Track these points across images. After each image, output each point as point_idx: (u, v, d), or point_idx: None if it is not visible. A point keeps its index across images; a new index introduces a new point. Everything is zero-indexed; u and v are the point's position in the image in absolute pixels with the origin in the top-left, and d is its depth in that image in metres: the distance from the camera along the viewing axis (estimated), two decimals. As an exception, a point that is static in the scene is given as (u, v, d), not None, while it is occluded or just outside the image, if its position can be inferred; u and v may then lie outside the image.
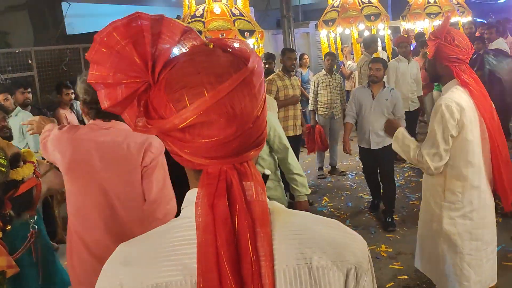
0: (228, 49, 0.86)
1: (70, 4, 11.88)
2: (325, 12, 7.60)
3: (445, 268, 2.52)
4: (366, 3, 7.30)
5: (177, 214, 0.97)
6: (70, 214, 2.28)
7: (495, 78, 5.57)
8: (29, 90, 5.60)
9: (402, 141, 2.65)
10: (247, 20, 5.55)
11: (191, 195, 0.89)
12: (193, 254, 0.82)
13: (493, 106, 2.49)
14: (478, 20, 14.74)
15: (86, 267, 2.21)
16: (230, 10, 5.53)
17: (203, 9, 5.46)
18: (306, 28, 13.73)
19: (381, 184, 5.26)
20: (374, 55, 6.88)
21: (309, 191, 3.35)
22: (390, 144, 4.52)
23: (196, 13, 5.45)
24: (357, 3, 7.29)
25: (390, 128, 2.81)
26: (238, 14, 5.52)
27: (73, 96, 6.19)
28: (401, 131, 2.70)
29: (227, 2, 5.71)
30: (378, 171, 5.27)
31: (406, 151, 2.62)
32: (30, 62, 8.24)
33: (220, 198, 0.81)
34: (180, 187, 2.90)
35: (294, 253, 0.84)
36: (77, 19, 12.84)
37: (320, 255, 0.85)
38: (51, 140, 2.27)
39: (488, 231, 2.52)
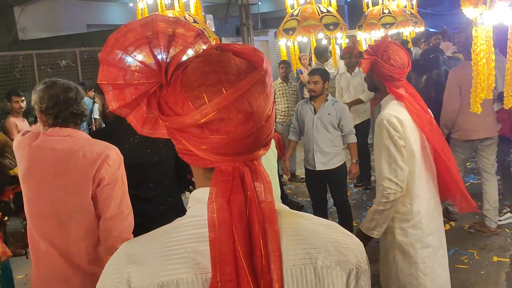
0: (237, 53, 0.89)
1: (22, 9, 11.52)
2: (285, 20, 7.66)
3: (401, 279, 2.56)
4: (325, 13, 7.41)
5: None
6: (28, 218, 2.21)
7: None
8: None
9: (374, 223, 2.52)
10: (203, 28, 5.57)
11: (199, 194, 0.91)
12: (205, 251, 0.83)
13: (431, 116, 2.57)
14: (431, 30, 15.31)
15: (52, 266, 2.13)
16: (184, 17, 5.53)
17: None
18: (265, 36, 13.84)
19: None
20: (332, 65, 7.01)
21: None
22: (339, 166, 4.55)
23: None
24: (316, 13, 7.39)
25: (363, 239, 2.53)
26: (192, 21, 5.53)
27: (23, 104, 6.01)
28: (368, 227, 2.56)
29: (179, 9, 5.71)
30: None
31: (378, 217, 2.50)
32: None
33: (237, 194, 0.84)
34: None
35: (301, 253, 0.87)
36: (31, 25, 12.47)
37: (325, 255, 0.88)
38: (13, 146, 2.24)
39: (435, 236, 2.57)
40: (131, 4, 14.59)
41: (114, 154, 2.13)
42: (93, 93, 6.79)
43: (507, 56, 2.84)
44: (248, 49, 0.89)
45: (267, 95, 0.86)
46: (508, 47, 2.81)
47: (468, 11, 2.87)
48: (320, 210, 4.71)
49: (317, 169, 4.54)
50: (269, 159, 2.94)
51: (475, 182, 6.21)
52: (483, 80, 2.92)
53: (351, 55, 6.68)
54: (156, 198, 2.62)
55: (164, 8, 5.51)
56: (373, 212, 2.50)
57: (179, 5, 5.75)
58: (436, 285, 2.55)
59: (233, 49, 0.89)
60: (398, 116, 2.45)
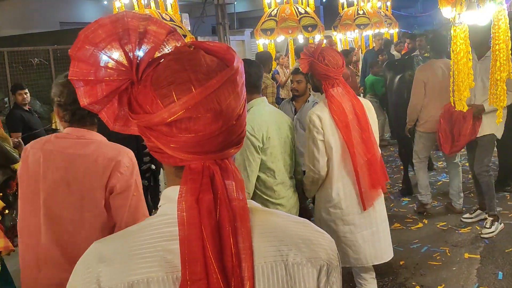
0: (210, 51, 0.88)
1: (-6, 5, 11.27)
2: (262, 20, 7.67)
3: None
4: (303, 14, 7.45)
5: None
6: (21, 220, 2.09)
7: None
8: None
9: (306, 193, 3.16)
10: (177, 25, 5.55)
11: (170, 192, 0.90)
12: (176, 250, 0.83)
13: (356, 116, 2.91)
14: (403, 31, 15.57)
15: (54, 269, 2.02)
16: (161, 15, 5.51)
17: None
18: (241, 35, 13.87)
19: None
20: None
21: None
22: None
23: None
24: (295, 14, 7.42)
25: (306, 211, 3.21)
26: (169, 19, 5.51)
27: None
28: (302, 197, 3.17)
29: (158, 9, 5.68)
30: None
31: (306, 188, 3.11)
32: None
33: (206, 192, 0.83)
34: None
35: (272, 250, 0.88)
36: (2, 22, 12.20)
37: (295, 252, 0.89)
38: (26, 147, 2.12)
39: (358, 217, 2.97)
40: (105, 2, 14.41)
41: (126, 160, 2.01)
42: None
43: (492, 55, 2.88)
44: (221, 47, 0.89)
45: (237, 94, 0.85)
46: (492, 46, 2.85)
47: (446, 11, 2.93)
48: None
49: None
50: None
51: (447, 180, 6.34)
52: (464, 79, 2.98)
53: None
54: None
55: (143, 7, 5.47)
56: (304, 188, 3.13)
57: (158, 4, 5.73)
58: (360, 257, 3.03)
59: (206, 47, 0.89)
60: (319, 114, 2.89)
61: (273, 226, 0.91)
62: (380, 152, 3.06)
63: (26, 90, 6.22)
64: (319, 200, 3.06)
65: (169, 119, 0.81)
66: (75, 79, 0.85)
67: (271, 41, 7.70)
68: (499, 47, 2.77)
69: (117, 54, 0.84)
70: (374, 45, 9.58)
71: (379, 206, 3.09)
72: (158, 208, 0.94)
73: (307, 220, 0.98)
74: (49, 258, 2.02)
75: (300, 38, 8.14)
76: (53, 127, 6.52)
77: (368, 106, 3.06)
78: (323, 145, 2.89)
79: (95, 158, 1.99)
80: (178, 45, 0.90)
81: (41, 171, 2.02)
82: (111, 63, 0.84)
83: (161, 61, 0.86)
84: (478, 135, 4.50)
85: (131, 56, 0.84)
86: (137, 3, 5.52)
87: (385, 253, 3.14)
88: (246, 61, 2.68)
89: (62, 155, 2.02)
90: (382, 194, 3.11)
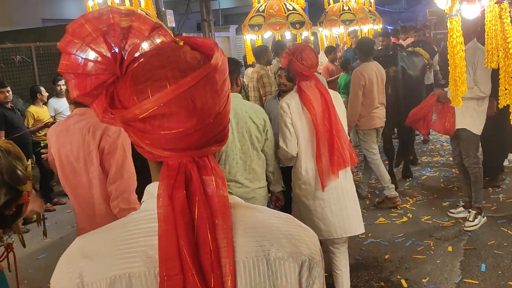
0: (196, 47, 0.88)
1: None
2: (250, 16, 7.63)
3: (302, 219, 3.24)
4: (291, 10, 7.43)
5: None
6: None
7: (406, 74, 5.98)
8: None
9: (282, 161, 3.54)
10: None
11: (152, 188, 0.91)
12: (156, 245, 0.84)
13: (324, 107, 3.25)
14: (388, 26, 15.69)
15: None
16: (136, 11, 5.49)
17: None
18: (226, 32, 13.82)
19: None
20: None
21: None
22: None
23: None
24: (283, 10, 7.39)
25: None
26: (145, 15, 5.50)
27: (9, 94, 6.11)
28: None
29: (131, 5, 5.63)
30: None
31: (282, 162, 3.51)
32: None
33: (179, 189, 0.84)
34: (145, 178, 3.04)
35: (254, 246, 0.88)
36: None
37: (277, 247, 0.89)
38: (48, 134, 2.75)
39: (326, 193, 3.31)
40: (88, -2, 14.23)
41: (114, 127, 2.35)
42: None
43: (485, 47, 2.86)
44: (207, 43, 0.89)
45: (216, 91, 0.85)
46: (486, 38, 2.83)
47: (440, 2, 2.89)
48: (283, 207, 4.74)
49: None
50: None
51: (431, 175, 6.42)
52: (461, 74, 2.94)
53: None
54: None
55: (116, 5, 5.41)
56: (278, 166, 3.54)
57: (131, 1, 5.67)
58: (329, 229, 3.36)
59: (193, 42, 0.89)
60: (288, 102, 3.31)
61: (255, 221, 0.92)
62: (348, 137, 3.42)
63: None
64: (293, 177, 3.45)
65: (141, 116, 0.81)
66: (65, 72, 0.86)
67: (258, 36, 7.67)
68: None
69: (103, 49, 0.84)
70: (350, 43, 9.65)
71: (348, 185, 3.41)
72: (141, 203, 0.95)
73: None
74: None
75: (288, 35, 8.13)
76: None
77: (336, 97, 3.43)
78: (292, 127, 3.30)
79: (91, 128, 2.50)
80: (163, 40, 0.90)
81: (58, 148, 2.62)
82: (98, 57, 0.84)
83: (143, 57, 0.86)
84: (456, 127, 4.54)
85: (116, 51, 0.85)
86: (111, 1, 5.47)
87: (354, 227, 3.42)
88: None
89: (70, 132, 2.57)
90: (351, 174, 3.46)
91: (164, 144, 0.84)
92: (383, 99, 5.44)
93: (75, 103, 2.62)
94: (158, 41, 0.90)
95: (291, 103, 3.32)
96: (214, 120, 0.85)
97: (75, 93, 0.87)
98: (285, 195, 3.58)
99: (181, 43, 0.88)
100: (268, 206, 3.43)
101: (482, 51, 3.10)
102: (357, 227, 3.43)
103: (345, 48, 10.32)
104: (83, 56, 0.85)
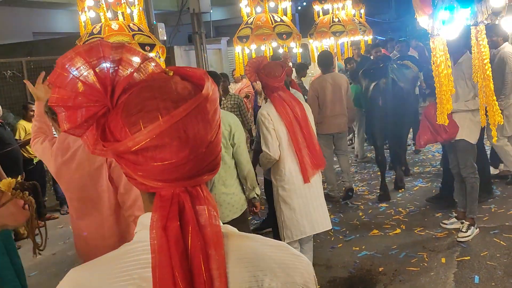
0: (187, 77, 0.89)
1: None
2: (240, 28, 7.72)
3: (287, 223, 3.70)
4: (278, 22, 7.50)
5: None
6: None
7: (396, 86, 6.02)
8: None
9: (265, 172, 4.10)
10: (146, 35, 5.53)
11: (145, 218, 0.91)
12: (150, 277, 0.83)
13: (295, 114, 3.64)
14: (378, 37, 15.81)
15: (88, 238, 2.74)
16: (128, 25, 5.50)
17: (100, 26, 5.41)
18: (218, 44, 13.84)
19: None
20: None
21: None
22: None
23: (93, 31, 5.39)
24: (270, 22, 7.47)
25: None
26: (137, 29, 5.50)
27: None
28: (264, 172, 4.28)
29: (124, 19, 5.65)
30: None
31: (262, 164, 3.82)
32: None
33: (172, 220, 0.84)
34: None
35: (247, 276, 0.88)
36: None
37: (271, 277, 0.89)
38: (39, 151, 2.78)
39: (307, 191, 3.65)
40: (79, 12, 14.22)
41: None
42: None
43: (473, 62, 2.90)
44: (196, 72, 0.89)
45: (208, 121, 0.85)
46: (472, 53, 2.87)
47: (422, 21, 2.94)
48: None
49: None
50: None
51: (423, 185, 6.45)
52: (446, 92, 2.98)
53: None
54: None
55: (108, 20, 5.42)
56: (260, 164, 3.87)
57: (124, 16, 5.69)
58: (313, 225, 3.68)
59: (182, 72, 0.89)
60: (267, 110, 3.65)
61: (248, 251, 0.92)
62: (317, 140, 3.82)
63: None
64: (276, 180, 3.73)
65: (134, 148, 0.82)
66: (55, 105, 0.87)
67: (250, 50, 7.73)
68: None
69: (93, 81, 0.85)
70: (352, 54, 9.74)
71: (318, 184, 3.79)
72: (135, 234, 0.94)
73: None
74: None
75: (281, 50, 8.18)
76: (17, 137, 6.35)
77: (306, 105, 3.86)
78: (274, 132, 3.60)
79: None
80: (155, 71, 0.91)
81: (59, 165, 2.65)
82: (88, 90, 0.85)
83: (135, 87, 0.87)
84: (456, 138, 4.57)
85: (106, 83, 0.85)
86: (103, 16, 5.48)
87: (326, 222, 3.82)
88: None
89: (71, 148, 2.61)
90: (320, 174, 3.84)
91: (157, 175, 0.84)
92: (340, 109, 5.95)
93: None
94: (149, 72, 0.90)
95: (270, 111, 3.66)
96: (206, 150, 0.86)
97: (65, 126, 0.87)
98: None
99: (171, 74, 0.89)
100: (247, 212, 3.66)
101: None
102: (327, 222, 3.83)
103: (335, 59, 10.39)
104: (74, 89, 0.85)
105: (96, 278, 0.88)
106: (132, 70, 0.88)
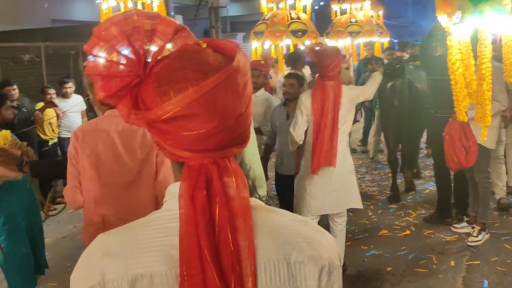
0: (219, 49, 0.89)
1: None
2: (258, 23, 7.68)
3: (299, 200, 4.04)
4: (294, 19, 7.45)
5: None
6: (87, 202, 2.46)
7: (413, 87, 5.96)
8: None
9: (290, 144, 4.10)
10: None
11: (174, 187, 0.92)
12: (177, 245, 0.84)
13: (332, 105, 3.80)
14: (394, 40, 15.73)
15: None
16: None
17: None
18: (233, 39, 13.85)
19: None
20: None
21: None
22: None
23: None
24: (286, 18, 7.43)
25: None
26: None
27: (15, 92, 6.12)
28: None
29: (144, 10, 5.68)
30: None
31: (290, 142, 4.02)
32: None
33: (199, 190, 0.85)
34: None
35: (275, 248, 0.88)
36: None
37: (298, 251, 0.89)
38: (80, 135, 2.45)
39: (319, 176, 3.85)
40: (98, 1, 14.33)
41: None
42: None
43: (477, 62, 2.89)
44: (229, 45, 0.90)
45: (237, 94, 0.86)
46: (477, 53, 2.87)
47: (442, 19, 2.94)
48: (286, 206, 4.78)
49: (285, 174, 4.56)
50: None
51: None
52: (461, 89, 2.99)
53: (260, 74, 5.23)
54: None
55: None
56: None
57: (144, 6, 5.72)
58: (318, 205, 3.93)
59: (216, 44, 0.90)
60: (305, 96, 3.91)
61: (276, 224, 0.92)
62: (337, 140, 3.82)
63: (15, 86, 6.18)
64: (302, 158, 4.06)
65: (163, 117, 0.82)
66: (91, 74, 0.88)
67: (259, 43, 7.66)
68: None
69: (127, 51, 0.86)
70: (365, 54, 9.67)
71: (344, 172, 3.95)
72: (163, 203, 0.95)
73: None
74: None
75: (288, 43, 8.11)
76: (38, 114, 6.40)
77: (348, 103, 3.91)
78: (305, 116, 3.86)
79: (142, 130, 2.34)
80: (188, 43, 0.92)
81: (99, 150, 2.41)
82: (122, 59, 0.86)
83: (167, 59, 0.88)
84: None
85: (140, 53, 0.86)
86: (124, 5, 5.51)
87: (333, 206, 4.00)
88: None
89: (115, 133, 2.40)
90: (351, 160, 4.07)
91: (185, 145, 0.85)
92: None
93: (105, 104, 2.41)
94: (182, 43, 0.91)
95: (308, 98, 3.90)
96: (235, 122, 0.86)
97: (101, 95, 0.88)
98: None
99: (204, 45, 0.89)
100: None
101: (494, 66, 3.11)
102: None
103: (351, 59, 10.35)
104: (109, 59, 0.86)
105: (125, 243, 0.89)
106: (165, 41, 0.89)
